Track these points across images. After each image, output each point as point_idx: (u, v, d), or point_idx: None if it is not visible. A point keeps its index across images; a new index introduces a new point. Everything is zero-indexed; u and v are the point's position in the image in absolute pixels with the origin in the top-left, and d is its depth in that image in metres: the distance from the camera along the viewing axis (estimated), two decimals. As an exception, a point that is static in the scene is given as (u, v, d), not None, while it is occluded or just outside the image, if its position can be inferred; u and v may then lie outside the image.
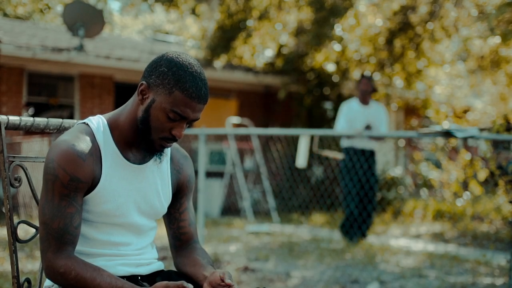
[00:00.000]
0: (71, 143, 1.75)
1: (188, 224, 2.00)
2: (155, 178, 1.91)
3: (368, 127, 6.80)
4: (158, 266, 1.97)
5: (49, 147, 1.80)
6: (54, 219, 1.73)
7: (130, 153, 1.86)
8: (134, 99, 1.83)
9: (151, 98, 1.77)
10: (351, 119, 6.96)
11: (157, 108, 1.76)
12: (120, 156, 1.83)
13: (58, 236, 1.73)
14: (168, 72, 1.75)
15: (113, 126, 1.84)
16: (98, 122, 1.84)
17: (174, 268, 2.04)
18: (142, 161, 1.88)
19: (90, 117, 1.86)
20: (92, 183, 1.78)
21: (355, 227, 6.88)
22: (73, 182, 1.73)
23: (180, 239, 2.00)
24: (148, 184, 1.89)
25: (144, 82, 1.78)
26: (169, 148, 1.95)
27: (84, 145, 1.77)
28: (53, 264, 1.72)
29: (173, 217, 1.99)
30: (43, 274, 2.01)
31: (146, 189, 1.88)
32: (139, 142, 1.84)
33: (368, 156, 6.98)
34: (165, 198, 1.94)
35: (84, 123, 1.84)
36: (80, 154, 1.75)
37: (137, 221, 1.88)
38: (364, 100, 7.05)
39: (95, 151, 1.79)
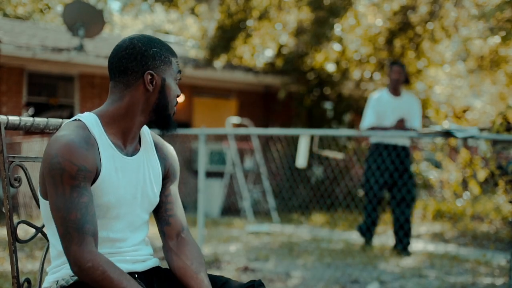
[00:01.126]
0: (70, 136, 1.77)
1: (175, 207, 2.01)
2: (146, 169, 1.94)
3: (401, 121, 6.07)
4: (154, 262, 1.99)
5: (46, 147, 1.80)
6: (70, 211, 1.72)
7: (122, 146, 1.90)
8: (130, 92, 1.86)
9: (160, 79, 1.86)
10: (380, 112, 6.24)
11: (169, 83, 1.88)
12: (114, 149, 1.86)
13: (78, 227, 1.72)
14: (158, 49, 1.87)
15: (105, 120, 1.87)
16: (89, 117, 1.86)
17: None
18: (133, 153, 1.92)
19: (79, 114, 1.88)
20: (96, 174, 1.80)
21: (371, 230, 6.41)
22: (81, 172, 1.75)
23: (169, 222, 1.99)
24: (142, 175, 1.92)
25: (150, 71, 1.84)
26: (151, 138, 2.01)
27: (82, 137, 1.79)
28: (79, 257, 1.71)
29: (160, 201, 2.00)
30: (43, 274, 2.01)
31: (140, 181, 1.92)
32: (135, 132, 1.90)
33: (400, 152, 6.22)
34: (157, 186, 1.97)
35: (75, 119, 1.86)
36: (82, 144, 1.77)
37: (135, 213, 1.91)
38: (395, 91, 6.33)
39: (93, 143, 1.81)
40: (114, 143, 1.87)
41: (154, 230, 2.15)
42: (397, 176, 6.20)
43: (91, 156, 1.78)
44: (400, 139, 6.22)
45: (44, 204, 1.86)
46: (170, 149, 2.06)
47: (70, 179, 1.73)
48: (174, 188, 2.04)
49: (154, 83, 1.85)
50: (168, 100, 1.88)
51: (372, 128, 6.20)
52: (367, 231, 6.41)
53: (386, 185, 6.29)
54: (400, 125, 6.11)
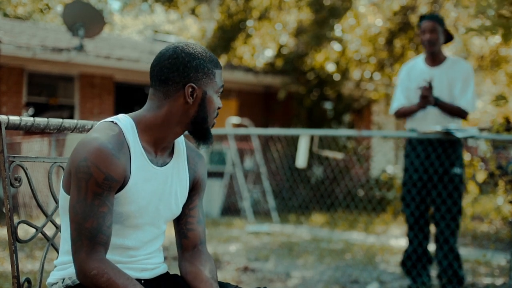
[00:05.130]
0: (103, 140, 1.72)
1: (196, 222, 1.96)
2: (174, 181, 1.89)
3: (426, 89, 4.18)
4: (162, 269, 1.95)
5: (76, 145, 1.76)
6: (86, 218, 1.69)
7: (153, 155, 1.85)
8: (168, 102, 1.80)
9: (202, 92, 1.81)
10: (411, 88, 4.38)
11: (211, 96, 1.84)
12: (146, 158, 1.81)
13: (91, 236, 1.69)
14: (201, 61, 1.80)
15: (140, 127, 1.81)
16: (126, 121, 1.81)
17: (176, 268, 2.03)
18: (163, 163, 1.87)
19: (118, 116, 1.83)
20: (123, 183, 1.76)
21: (427, 267, 4.47)
22: (107, 181, 1.70)
23: (187, 236, 1.94)
24: (168, 188, 1.87)
25: (191, 84, 1.79)
26: (185, 148, 1.96)
27: (116, 143, 1.74)
28: (85, 265, 1.69)
29: (183, 212, 1.95)
30: (43, 274, 2.01)
31: (165, 193, 1.87)
32: (168, 142, 1.85)
33: (448, 147, 4.32)
34: (182, 199, 1.92)
35: (112, 121, 1.81)
36: (113, 151, 1.72)
37: (154, 224, 1.87)
38: (433, 57, 4.35)
39: (126, 150, 1.76)
40: (147, 152, 1.82)
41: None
42: (437, 180, 4.36)
43: (121, 164, 1.73)
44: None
45: (64, 197, 1.81)
46: (201, 161, 2.00)
47: (95, 186, 1.69)
48: (199, 202, 1.98)
49: (194, 95, 1.80)
50: (207, 114, 1.84)
51: (400, 112, 4.48)
52: (422, 268, 4.45)
53: (428, 197, 4.44)
54: (425, 95, 4.21)
